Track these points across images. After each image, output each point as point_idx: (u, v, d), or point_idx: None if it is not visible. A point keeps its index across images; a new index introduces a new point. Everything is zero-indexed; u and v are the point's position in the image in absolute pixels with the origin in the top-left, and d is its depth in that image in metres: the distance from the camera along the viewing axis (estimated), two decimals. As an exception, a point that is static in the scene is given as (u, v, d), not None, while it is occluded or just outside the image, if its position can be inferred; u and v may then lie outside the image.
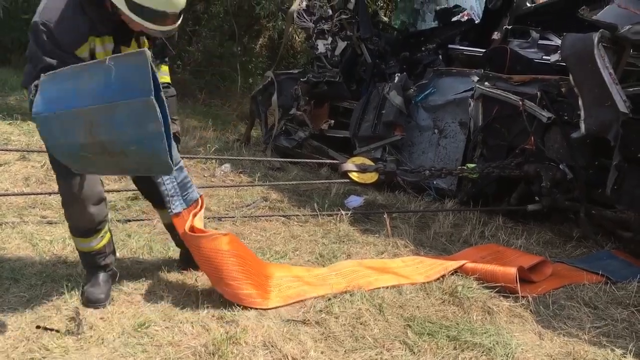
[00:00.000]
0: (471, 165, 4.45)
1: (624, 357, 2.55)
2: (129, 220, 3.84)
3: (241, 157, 5.49)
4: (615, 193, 3.94)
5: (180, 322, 2.58)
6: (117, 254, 3.09)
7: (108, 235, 2.84)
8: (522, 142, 4.38)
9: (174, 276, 3.06)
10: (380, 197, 4.82)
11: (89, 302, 2.70)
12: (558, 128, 4.11)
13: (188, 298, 2.83)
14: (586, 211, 4.13)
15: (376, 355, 2.44)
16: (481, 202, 4.64)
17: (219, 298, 2.80)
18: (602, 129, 3.65)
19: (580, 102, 3.75)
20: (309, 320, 2.68)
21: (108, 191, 4.24)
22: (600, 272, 3.43)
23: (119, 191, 4.30)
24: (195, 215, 2.80)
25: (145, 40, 2.73)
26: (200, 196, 2.87)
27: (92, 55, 2.52)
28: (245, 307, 2.73)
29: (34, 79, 2.35)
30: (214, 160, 5.33)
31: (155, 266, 3.17)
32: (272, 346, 2.44)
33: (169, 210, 2.79)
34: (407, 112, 5.15)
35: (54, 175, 2.71)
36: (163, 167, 2.33)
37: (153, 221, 3.79)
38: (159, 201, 2.88)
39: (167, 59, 2.98)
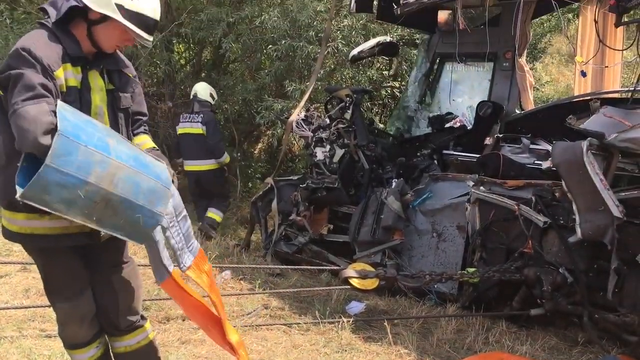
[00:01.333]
0: (471, 270, 4.46)
1: None
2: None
3: (241, 265, 5.50)
4: (617, 296, 3.94)
5: None
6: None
7: (103, 347, 2.79)
8: (520, 246, 4.43)
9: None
10: (381, 302, 4.79)
11: None
12: (555, 232, 4.17)
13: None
14: (589, 315, 4.10)
15: None
16: (483, 306, 4.61)
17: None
18: (598, 234, 3.71)
19: (574, 207, 3.84)
20: None
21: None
22: None
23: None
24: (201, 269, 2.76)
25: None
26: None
27: (65, 85, 2.42)
28: None
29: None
30: (214, 268, 5.33)
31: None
32: None
33: (181, 266, 2.62)
34: (406, 216, 5.23)
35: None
36: (139, 239, 2.44)
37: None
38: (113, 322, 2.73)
39: (146, 128, 2.87)
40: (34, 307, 4.00)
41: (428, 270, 4.86)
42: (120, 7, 2.42)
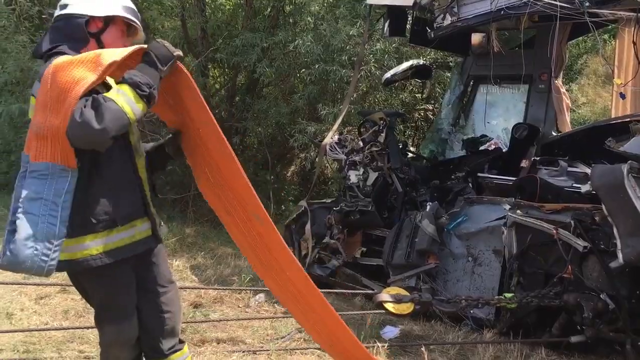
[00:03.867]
0: (509, 295, 4.38)
1: None
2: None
3: (275, 287, 5.49)
4: (662, 324, 3.83)
5: None
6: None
7: None
8: (559, 271, 4.34)
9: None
10: (416, 327, 4.73)
11: None
12: (595, 257, 4.08)
13: None
14: (632, 342, 3.99)
15: None
16: (522, 332, 4.51)
17: None
18: (640, 260, 3.62)
19: (615, 232, 3.75)
20: None
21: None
22: None
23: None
24: None
25: None
26: None
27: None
28: None
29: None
30: (248, 290, 5.35)
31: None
32: None
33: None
34: (440, 240, 5.18)
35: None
36: None
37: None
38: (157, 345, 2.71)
39: None
40: (73, 328, 4.07)
41: (464, 295, 4.80)
42: (120, 6, 2.59)
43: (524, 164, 5.60)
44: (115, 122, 2.25)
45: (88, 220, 2.41)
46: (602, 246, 4.07)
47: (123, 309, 2.61)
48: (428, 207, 5.29)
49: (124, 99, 2.29)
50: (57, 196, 2.30)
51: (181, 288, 5.26)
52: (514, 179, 5.29)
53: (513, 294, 4.41)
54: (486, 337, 4.54)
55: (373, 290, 5.17)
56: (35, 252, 2.25)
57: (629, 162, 3.75)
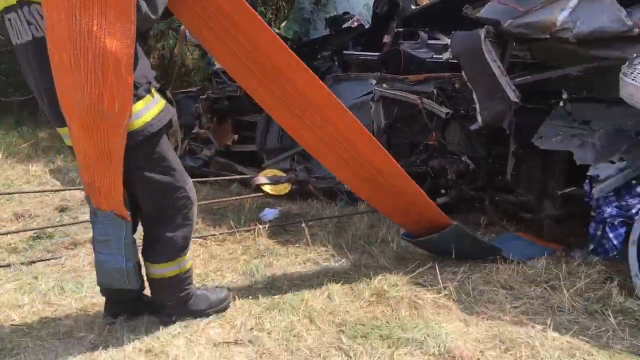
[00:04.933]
0: (379, 166, 4.54)
1: (544, 331, 2.69)
2: (34, 262, 3.59)
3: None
4: (515, 179, 4.18)
5: (105, 362, 2.44)
6: (26, 299, 2.88)
7: None
8: (424, 139, 4.55)
9: (91, 314, 2.89)
10: (294, 206, 4.82)
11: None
12: (456, 122, 4.30)
13: (111, 335, 2.68)
14: (490, 199, 4.35)
15: (314, 365, 2.43)
16: (392, 200, 4.76)
17: (144, 330, 2.68)
18: (497, 120, 3.86)
19: (474, 96, 3.95)
20: (241, 340, 2.63)
21: (5, 233, 3.96)
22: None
23: (17, 232, 4.01)
24: None
25: None
26: None
27: None
28: (173, 336, 2.63)
29: None
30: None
31: (69, 307, 2.98)
32: (207, 372, 2.37)
33: None
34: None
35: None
36: None
37: (61, 259, 3.58)
38: None
39: None
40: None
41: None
42: None
43: (386, 39, 5.65)
44: (163, 5, 2.41)
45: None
46: (463, 111, 4.29)
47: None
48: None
49: None
50: None
51: (45, 191, 4.91)
52: (378, 54, 5.34)
53: (383, 165, 4.58)
54: (361, 208, 4.75)
55: (248, 175, 5.15)
56: None
57: (485, 27, 3.88)
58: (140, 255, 2.69)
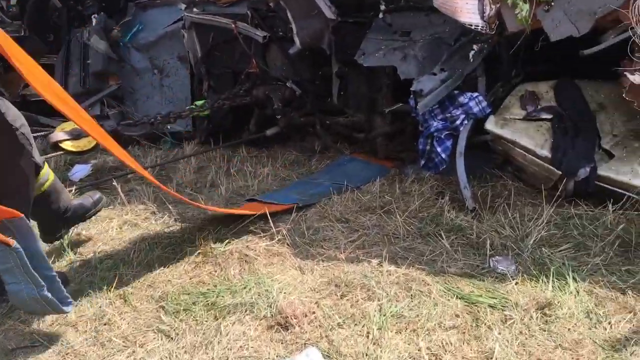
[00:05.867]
0: (199, 102, 4.13)
1: (380, 266, 2.55)
2: None
3: None
4: (343, 100, 3.99)
5: None
6: None
7: None
8: (246, 67, 4.18)
9: None
10: (111, 158, 4.26)
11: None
12: (276, 46, 3.95)
13: None
14: (321, 123, 4.15)
15: (128, 357, 2.07)
16: (222, 137, 4.38)
17: None
18: (315, 39, 3.58)
19: (289, 16, 3.61)
20: (40, 341, 2.19)
21: None
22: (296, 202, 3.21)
23: None
24: None
25: None
26: None
27: None
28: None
29: None
30: None
31: None
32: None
33: None
34: (117, 56, 4.56)
35: None
36: None
37: None
38: None
39: None
40: None
41: (157, 111, 4.45)
42: None
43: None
44: None
45: None
46: (281, 33, 3.94)
47: None
48: (94, 21, 4.53)
49: None
50: None
51: None
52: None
53: (204, 101, 4.17)
54: (187, 150, 4.33)
55: (53, 128, 4.45)
56: None
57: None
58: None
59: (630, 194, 2.84)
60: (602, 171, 2.95)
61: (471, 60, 3.46)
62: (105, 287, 2.47)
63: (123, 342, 2.15)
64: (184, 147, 4.38)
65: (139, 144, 4.53)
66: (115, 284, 2.50)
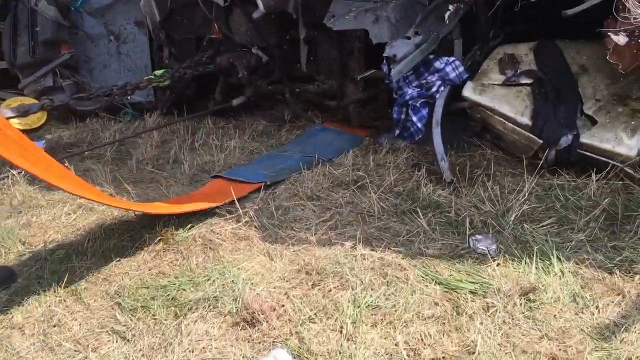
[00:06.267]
0: (159, 72, 3.86)
1: (354, 249, 2.38)
2: None
3: None
4: (312, 66, 3.77)
5: None
6: None
7: None
8: (208, 32, 3.91)
9: None
10: (67, 133, 4.01)
11: None
12: (238, 9, 3.68)
13: None
14: (291, 91, 3.93)
15: (79, 363, 1.90)
16: (186, 107, 4.12)
17: None
18: (280, 2, 3.33)
19: (251, -25, 3.34)
20: (-19, 347, 2.00)
21: None
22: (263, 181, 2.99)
23: None
24: None
25: None
26: None
27: None
28: None
29: None
30: None
31: None
32: None
33: None
34: (69, 22, 4.23)
35: None
36: None
37: None
38: None
39: None
40: None
41: (116, 80, 4.17)
42: None
43: None
44: None
45: None
46: (244, -4, 3.67)
47: None
48: (40, -16, 4.19)
49: None
50: None
51: None
52: None
53: (164, 70, 3.90)
54: (149, 122, 4.08)
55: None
56: None
57: None
58: None
59: (614, 162, 2.71)
60: (585, 139, 2.80)
61: (447, 21, 3.26)
62: (55, 283, 2.26)
63: (74, 346, 1.96)
64: (145, 120, 4.13)
65: (98, 117, 4.26)
66: (66, 278, 2.29)
